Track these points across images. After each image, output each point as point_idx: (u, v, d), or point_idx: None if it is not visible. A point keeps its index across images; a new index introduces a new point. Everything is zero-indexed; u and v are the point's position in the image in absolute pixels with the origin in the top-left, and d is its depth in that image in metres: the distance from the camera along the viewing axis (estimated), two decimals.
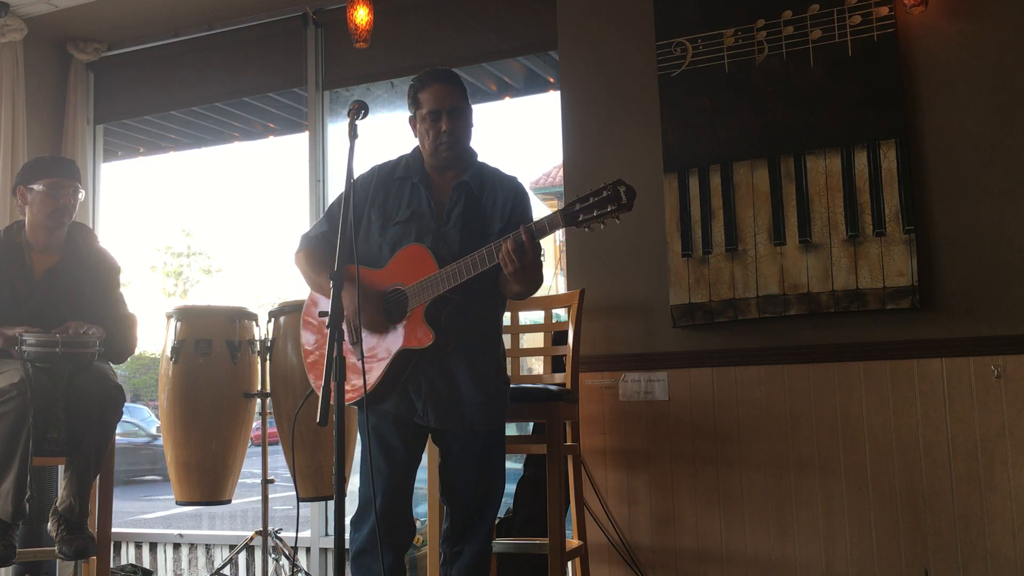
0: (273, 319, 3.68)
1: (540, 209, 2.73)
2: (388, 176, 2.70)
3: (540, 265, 2.46)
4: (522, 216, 2.61)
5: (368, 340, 2.56)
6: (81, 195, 3.31)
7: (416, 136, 2.69)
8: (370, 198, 2.68)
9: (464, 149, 2.67)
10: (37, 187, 3.19)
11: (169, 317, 3.66)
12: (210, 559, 4.45)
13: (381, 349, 2.54)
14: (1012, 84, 3.10)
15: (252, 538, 3.69)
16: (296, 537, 3.50)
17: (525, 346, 3.65)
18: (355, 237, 2.64)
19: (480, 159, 2.74)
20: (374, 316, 2.53)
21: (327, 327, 2.15)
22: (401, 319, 2.51)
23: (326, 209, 2.81)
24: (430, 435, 2.67)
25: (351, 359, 2.45)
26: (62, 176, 3.23)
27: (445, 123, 2.59)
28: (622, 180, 2.31)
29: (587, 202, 2.33)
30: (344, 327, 2.48)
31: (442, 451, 2.65)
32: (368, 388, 2.51)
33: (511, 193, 2.64)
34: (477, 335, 2.59)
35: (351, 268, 2.37)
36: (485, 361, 2.60)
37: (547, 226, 2.39)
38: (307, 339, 2.76)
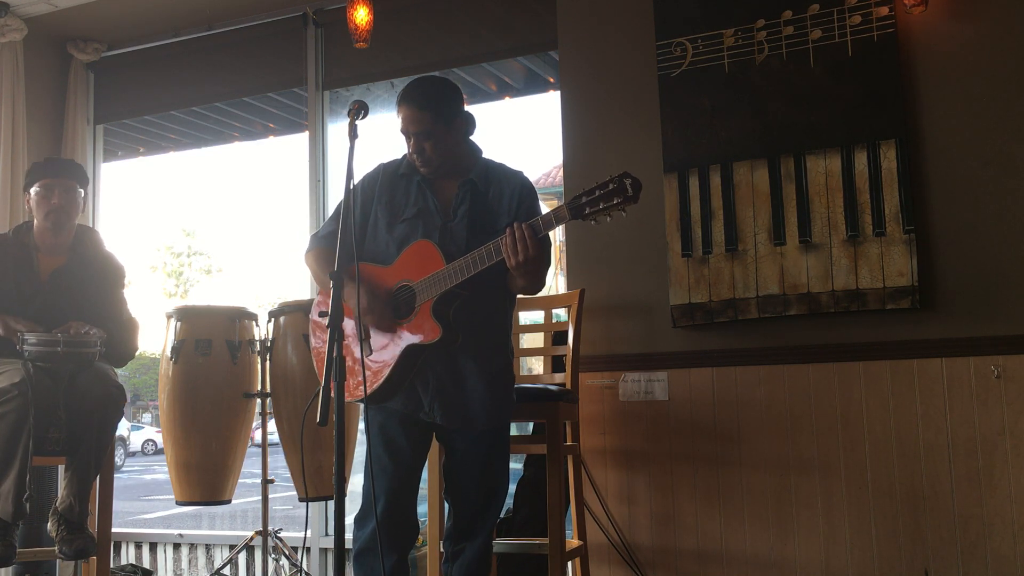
0: (273, 319, 3.68)
1: (540, 209, 2.72)
2: (394, 173, 2.71)
3: (545, 259, 2.46)
4: (529, 210, 2.60)
5: (376, 338, 2.56)
6: (80, 194, 3.31)
7: None
8: (377, 195, 2.68)
9: (442, 163, 2.63)
10: (33, 190, 3.24)
11: (169, 317, 3.66)
12: (210, 559, 4.45)
13: (389, 346, 2.54)
14: (1012, 84, 3.10)
15: (252, 538, 3.69)
16: (305, 538, 3.51)
17: (525, 346, 3.65)
18: (363, 235, 2.65)
19: (485, 156, 2.73)
20: (383, 313, 2.53)
21: (327, 327, 2.15)
22: (409, 315, 2.51)
23: (335, 209, 2.80)
24: (434, 434, 2.67)
25: (355, 357, 2.45)
26: (53, 176, 3.24)
27: (412, 146, 2.60)
28: (628, 172, 2.30)
29: (593, 195, 2.33)
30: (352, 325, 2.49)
31: (446, 449, 2.66)
32: (376, 385, 2.52)
33: (517, 188, 2.64)
34: (485, 331, 2.58)
35: (353, 269, 2.37)
36: (493, 358, 2.60)
37: (553, 219, 2.39)
38: (315, 338, 2.76)
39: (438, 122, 2.58)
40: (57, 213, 3.22)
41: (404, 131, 2.60)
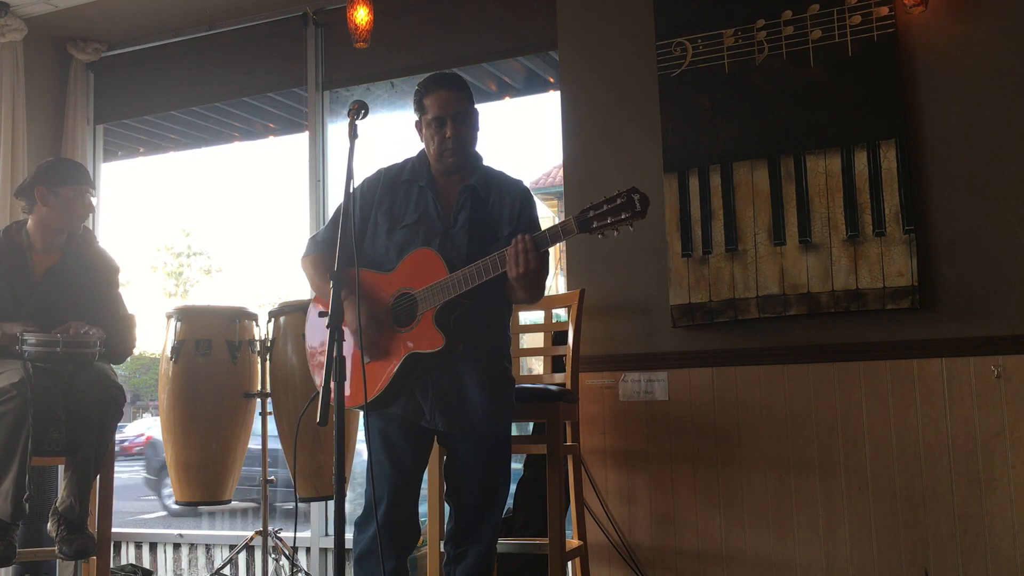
0: (273, 319, 3.68)
1: (540, 209, 2.73)
2: (394, 179, 2.70)
3: (544, 273, 2.47)
4: (530, 220, 2.62)
5: (377, 344, 2.55)
6: (95, 200, 3.40)
7: (422, 139, 2.69)
8: (377, 201, 2.68)
9: (470, 153, 2.67)
10: (65, 192, 3.22)
11: (169, 317, 3.66)
12: (210, 559, 4.45)
13: (390, 353, 2.53)
14: (1012, 84, 3.10)
15: (252, 538, 3.69)
16: (295, 537, 3.51)
17: (525, 346, 3.65)
18: (362, 240, 2.65)
19: (485, 163, 2.74)
20: (376, 339, 2.53)
21: (327, 327, 2.15)
22: (411, 323, 2.51)
23: (334, 213, 2.80)
24: (435, 437, 2.67)
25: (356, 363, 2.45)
26: (88, 185, 3.31)
27: (450, 129, 2.59)
28: (636, 188, 2.31)
29: (601, 209, 2.33)
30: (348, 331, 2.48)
31: (448, 452, 2.66)
32: (376, 392, 2.51)
33: (518, 197, 2.65)
34: (485, 339, 2.59)
35: (352, 273, 2.37)
36: (493, 365, 2.60)
37: (560, 232, 2.40)
38: (312, 343, 2.76)
39: (471, 105, 2.65)
40: (83, 219, 3.31)
41: (441, 115, 2.59)
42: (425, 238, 2.58)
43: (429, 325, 2.47)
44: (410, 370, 2.52)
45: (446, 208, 2.63)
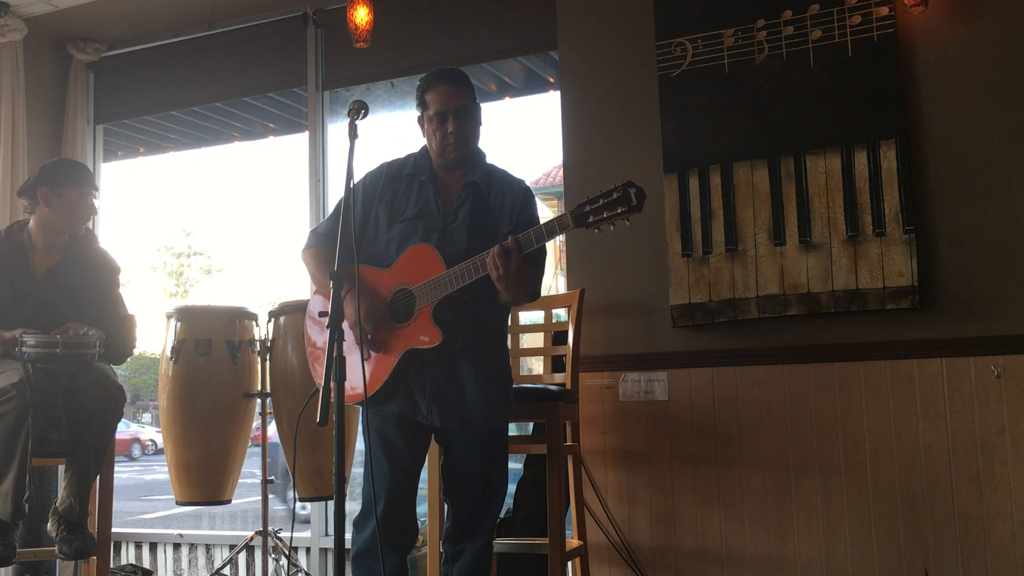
0: (273, 319, 3.68)
1: (540, 209, 2.73)
2: (396, 173, 2.70)
3: (529, 275, 2.44)
4: (530, 218, 2.61)
5: (375, 341, 2.55)
6: (98, 202, 3.40)
7: (424, 135, 2.69)
8: (378, 195, 2.68)
9: (472, 149, 2.67)
10: (68, 193, 3.22)
11: (169, 317, 3.66)
12: (210, 559, 4.45)
13: (388, 349, 2.54)
14: (1012, 84, 3.10)
15: (252, 538, 3.69)
16: (292, 537, 3.50)
17: (525, 346, 3.65)
18: (363, 234, 2.65)
19: (488, 160, 2.74)
20: (378, 324, 2.53)
21: (327, 327, 2.15)
22: (408, 319, 2.51)
23: (335, 206, 2.79)
24: (433, 435, 2.67)
25: (354, 359, 2.45)
26: (92, 187, 3.32)
27: (451, 124, 2.59)
28: (632, 182, 2.31)
29: (597, 203, 2.33)
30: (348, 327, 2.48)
31: (445, 450, 2.66)
32: (374, 389, 2.51)
33: (520, 195, 2.64)
34: (483, 335, 2.59)
35: (353, 270, 2.37)
36: (490, 361, 2.60)
37: (556, 227, 2.39)
38: (312, 337, 2.76)
39: (474, 100, 2.64)
40: (86, 221, 3.32)
41: (442, 110, 2.58)
42: (424, 233, 2.58)
43: (427, 320, 2.47)
44: (408, 366, 2.52)
45: (447, 203, 2.63)
